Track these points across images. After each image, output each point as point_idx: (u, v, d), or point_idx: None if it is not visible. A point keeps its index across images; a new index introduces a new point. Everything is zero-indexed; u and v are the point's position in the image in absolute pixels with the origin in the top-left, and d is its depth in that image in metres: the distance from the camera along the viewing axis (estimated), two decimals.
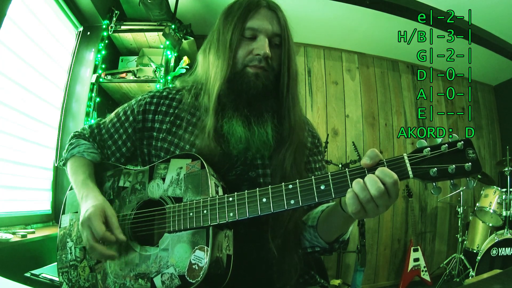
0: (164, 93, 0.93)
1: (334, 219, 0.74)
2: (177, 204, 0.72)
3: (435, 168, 0.58)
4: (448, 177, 0.58)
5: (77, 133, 0.98)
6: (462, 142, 0.58)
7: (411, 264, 2.96)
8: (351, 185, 0.60)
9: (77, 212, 0.87)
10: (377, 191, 0.57)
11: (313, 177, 0.64)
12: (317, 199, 0.63)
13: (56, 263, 0.87)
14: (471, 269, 2.59)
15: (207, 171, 0.72)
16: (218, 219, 0.67)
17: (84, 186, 0.82)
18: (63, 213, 0.90)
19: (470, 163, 0.57)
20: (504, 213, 2.51)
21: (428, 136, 3.23)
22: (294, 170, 0.80)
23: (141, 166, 0.90)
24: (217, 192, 0.72)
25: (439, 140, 0.60)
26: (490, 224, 2.68)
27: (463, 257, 2.77)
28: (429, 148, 0.59)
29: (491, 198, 2.68)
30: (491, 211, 2.63)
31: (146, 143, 0.90)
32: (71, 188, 0.92)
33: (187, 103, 0.89)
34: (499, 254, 2.33)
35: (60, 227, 0.89)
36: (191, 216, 0.69)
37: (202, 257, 0.65)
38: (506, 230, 2.42)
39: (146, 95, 0.94)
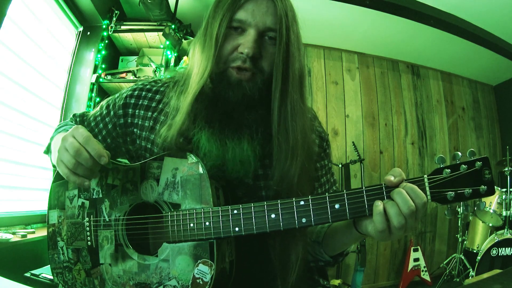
0: (148, 86, 0.83)
1: (343, 238, 0.70)
2: (175, 213, 0.67)
3: (453, 193, 0.57)
4: (463, 199, 0.58)
5: (61, 123, 0.92)
6: (480, 162, 0.57)
7: (411, 264, 2.96)
8: (367, 206, 0.57)
9: (64, 209, 0.81)
10: (408, 210, 0.54)
11: (327, 194, 0.59)
12: (330, 219, 0.59)
13: None
14: (471, 269, 2.58)
15: (206, 174, 0.66)
16: (222, 233, 0.63)
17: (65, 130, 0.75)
18: (50, 208, 0.84)
19: (485, 187, 0.56)
20: (504, 213, 2.51)
21: (428, 136, 3.22)
22: (300, 186, 0.71)
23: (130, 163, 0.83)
24: (218, 197, 0.67)
25: (459, 155, 0.58)
26: (490, 224, 2.68)
27: (463, 257, 2.76)
28: (449, 170, 0.58)
29: (491, 198, 2.67)
30: (491, 211, 2.63)
31: (129, 139, 0.82)
32: (55, 180, 0.84)
33: (170, 97, 0.78)
34: (499, 254, 2.33)
35: (48, 223, 0.83)
36: (192, 227, 0.64)
37: (207, 272, 0.62)
38: (506, 230, 2.42)
39: (130, 87, 0.85)
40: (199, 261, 0.63)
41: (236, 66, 0.69)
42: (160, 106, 0.79)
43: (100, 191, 0.77)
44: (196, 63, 0.74)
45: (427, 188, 0.57)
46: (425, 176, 0.58)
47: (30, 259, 1.50)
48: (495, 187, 2.65)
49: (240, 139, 0.69)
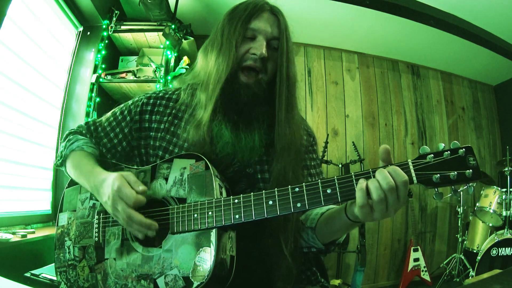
0: (161, 94, 0.94)
1: (335, 224, 0.75)
2: (181, 205, 0.72)
3: (438, 174, 0.59)
4: (450, 183, 0.59)
5: (73, 130, 0.97)
6: (463, 149, 0.59)
7: (411, 264, 2.96)
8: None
9: (75, 211, 0.86)
10: (388, 185, 0.58)
11: (319, 180, 0.64)
12: (323, 202, 0.63)
13: None
14: (471, 269, 2.59)
15: (212, 172, 0.71)
16: (223, 220, 0.67)
17: (95, 174, 0.80)
18: (61, 211, 0.89)
19: (471, 170, 0.58)
20: (504, 213, 2.51)
21: (428, 136, 3.22)
22: (294, 176, 0.81)
23: (139, 166, 0.89)
24: (221, 194, 0.71)
25: (441, 146, 0.61)
26: (490, 224, 2.68)
27: (463, 257, 2.77)
28: (432, 155, 0.60)
29: (491, 198, 2.68)
30: (491, 211, 2.63)
31: (143, 143, 0.90)
32: (69, 186, 0.91)
33: (184, 102, 0.89)
34: (499, 254, 2.33)
35: (57, 226, 0.88)
36: (196, 217, 0.69)
37: (207, 259, 0.65)
38: (506, 230, 2.42)
39: (143, 96, 0.95)
40: (200, 249, 0.67)
41: (247, 65, 0.82)
42: (174, 111, 0.90)
43: None
44: (214, 65, 0.84)
45: (412, 171, 0.60)
46: (409, 160, 0.61)
47: (30, 259, 1.50)
48: (495, 187, 2.69)
49: (251, 131, 0.81)
